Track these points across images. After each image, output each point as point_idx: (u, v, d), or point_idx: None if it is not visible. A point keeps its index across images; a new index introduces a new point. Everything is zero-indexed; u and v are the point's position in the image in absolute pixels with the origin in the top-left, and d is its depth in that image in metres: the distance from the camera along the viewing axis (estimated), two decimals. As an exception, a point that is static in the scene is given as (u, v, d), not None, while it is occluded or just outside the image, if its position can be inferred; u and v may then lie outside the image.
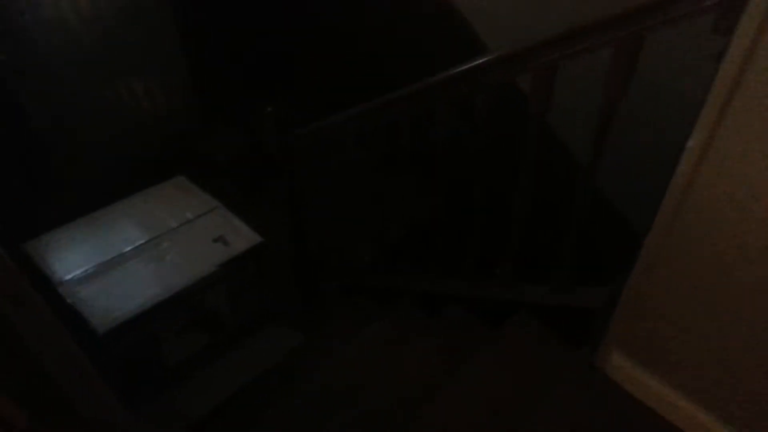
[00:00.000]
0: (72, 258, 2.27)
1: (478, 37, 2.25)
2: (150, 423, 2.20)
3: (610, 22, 1.17)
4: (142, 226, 2.42)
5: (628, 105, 1.28)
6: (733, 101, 1.01)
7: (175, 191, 2.63)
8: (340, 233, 2.59)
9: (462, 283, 2.02)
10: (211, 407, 2.28)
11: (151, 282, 2.18)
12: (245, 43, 3.38)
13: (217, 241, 2.34)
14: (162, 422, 2.22)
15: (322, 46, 3.10)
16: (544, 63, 1.32)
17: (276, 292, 2.67)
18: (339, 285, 2.79)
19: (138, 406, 2.24)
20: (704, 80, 1.04)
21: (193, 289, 2.20)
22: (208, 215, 2.49)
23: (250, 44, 3.39)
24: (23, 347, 1.08)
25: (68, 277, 2.19)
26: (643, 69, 1.20)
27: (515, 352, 1.76)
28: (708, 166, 1.11)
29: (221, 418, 2.24)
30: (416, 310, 2.27)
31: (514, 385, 1.66)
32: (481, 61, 1.42)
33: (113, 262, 2.26)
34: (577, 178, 1.47)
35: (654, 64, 1.25)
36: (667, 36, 1.15)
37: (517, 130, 1.52)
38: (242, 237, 2.38)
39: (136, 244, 2.34)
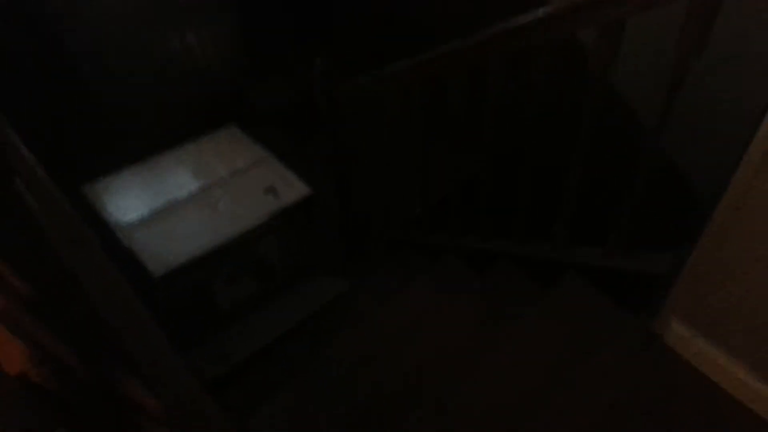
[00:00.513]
0: (128, 202, 2.33)
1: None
2: (197, 364, 2.28)
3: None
4: (195, 174, 2.46)
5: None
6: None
7: (226, 140, 2.65)
8: (386, 187, 2.56)
9: (512, 242, 1.97)
10: (256, 349, 2.35)
11: (203, 229, 2.22)
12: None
13: (268, 191, 2.36)
14: (208, 363, 2.29)
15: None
16: (611, 17, 1.23)
17: (322, 244, 2.69)
18: (386, 239, 2.78)
19: (187, 348, 2.33)
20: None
21: (244, 238, 2.24)
22: (259, 165, 2.50)
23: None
24: (80, 290, 1.10)
25: (125, 220, 2.25)
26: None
27: (566, 313, 1.73)
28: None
29: (253, 374, 2.29)
30: (464, 266, 2.24)
31: (565, 346, 1.63)
32: (541, 13, 1.34)
33: (167, 207, 2.31)
34: (639, 138, 1.40)
35: (722, 25, 1.14)
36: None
37: (576, 86, 1.44)
38: (292, 188, 2.39)
39: (189, 191, 2.38)
